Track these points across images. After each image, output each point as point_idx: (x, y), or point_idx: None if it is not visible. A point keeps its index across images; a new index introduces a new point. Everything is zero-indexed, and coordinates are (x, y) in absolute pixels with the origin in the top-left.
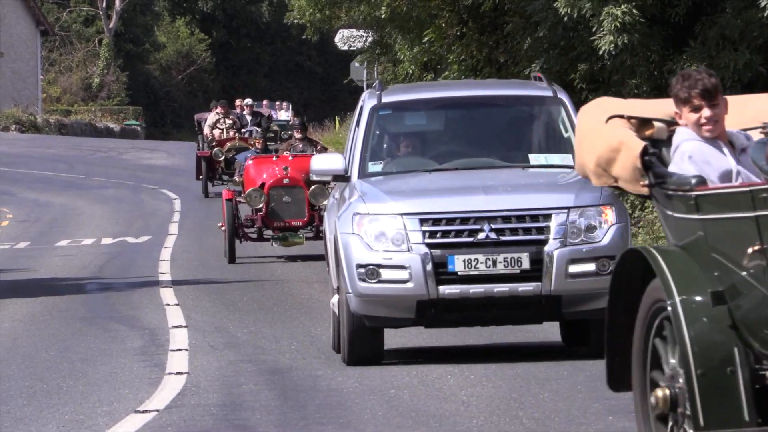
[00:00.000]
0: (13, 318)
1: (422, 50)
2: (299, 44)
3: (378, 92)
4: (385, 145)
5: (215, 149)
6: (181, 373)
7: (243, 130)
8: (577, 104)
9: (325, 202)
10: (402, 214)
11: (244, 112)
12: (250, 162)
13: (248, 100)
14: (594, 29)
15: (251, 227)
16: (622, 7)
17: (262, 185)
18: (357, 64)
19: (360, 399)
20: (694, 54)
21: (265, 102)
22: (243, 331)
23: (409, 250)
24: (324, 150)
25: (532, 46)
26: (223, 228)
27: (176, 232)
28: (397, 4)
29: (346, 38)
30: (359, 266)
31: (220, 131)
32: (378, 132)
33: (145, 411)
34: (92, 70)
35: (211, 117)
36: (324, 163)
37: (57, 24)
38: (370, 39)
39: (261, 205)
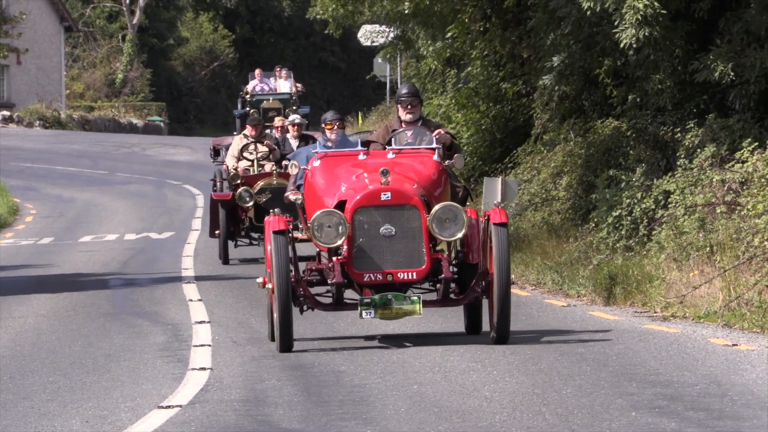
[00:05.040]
0: (37, 313)
1: (445, 45)
2: (322, 40)
3: None
4: None
5: (240, 190)
6: (204, 369)
7: (284, 163)
8: (602, 100)
9: (460, 235)
10: None
11: (288, 135)
12: (318, 163)
13: (295, 117)
14: (616, 23)
15: (320, 284)
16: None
17: (341, 205)
18: (380, 60)
19: (383, 395)
20: (720, 53)
21: (258, 71)
22: (266, 327)
23: None
24: (452, 138)
25: (556, 41)
26: (268, 286)
27: (199, 228)
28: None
29: (369, 34)
30: None
31: (249, 163)
32: None
33: (168, 406)
34: (116, 66)
35: (237, 142)
36: None
37: (81, 20)
38: (392, 35)
39: (340, 243)
